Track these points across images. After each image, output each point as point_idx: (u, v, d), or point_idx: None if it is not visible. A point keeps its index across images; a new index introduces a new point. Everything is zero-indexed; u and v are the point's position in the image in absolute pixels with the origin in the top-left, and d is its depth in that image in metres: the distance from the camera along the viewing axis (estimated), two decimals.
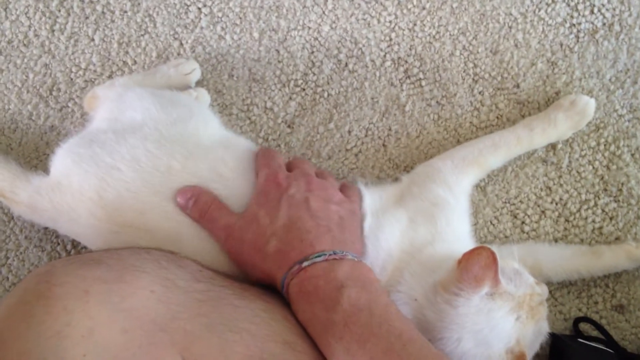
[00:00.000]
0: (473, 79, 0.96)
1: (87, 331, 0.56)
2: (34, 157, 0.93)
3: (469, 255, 0.68)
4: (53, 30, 1.00)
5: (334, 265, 0.67)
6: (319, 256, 0.68)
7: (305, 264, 0.67)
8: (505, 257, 0.75)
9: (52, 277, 0.59)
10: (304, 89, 0.96)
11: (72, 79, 0.97)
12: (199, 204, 0.73)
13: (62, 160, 0.77)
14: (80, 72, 0.98)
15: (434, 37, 0.98)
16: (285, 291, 0.68)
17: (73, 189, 0.74)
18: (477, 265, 0.67)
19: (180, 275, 0.65)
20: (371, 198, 0.81)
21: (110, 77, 0.97)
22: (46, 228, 0.89)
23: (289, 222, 0.71)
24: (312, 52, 0.98)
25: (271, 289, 0.71)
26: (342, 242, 0.71)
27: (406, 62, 0.97)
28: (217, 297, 0.65)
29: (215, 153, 0.77)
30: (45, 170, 0.80)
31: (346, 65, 0.97)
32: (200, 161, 0.76)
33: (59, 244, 0.89)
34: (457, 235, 0.81)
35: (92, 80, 0.97)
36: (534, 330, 0.70)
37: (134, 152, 0.74)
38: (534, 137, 0.89)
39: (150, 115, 0.79)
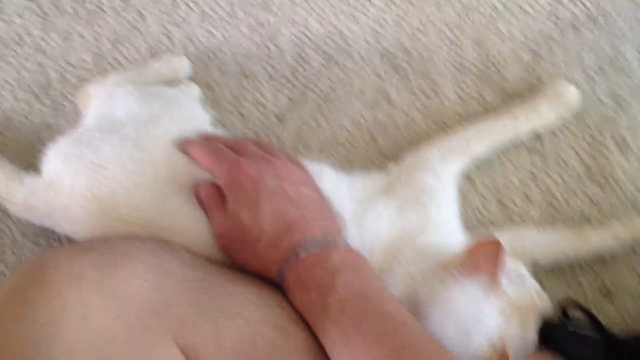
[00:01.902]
0: (458, 70, 0.98)
1: (80, 317, 0.57)
2: (29, 154, 0.94)
3: (480, 243, 0.70)
4: (45, 30, 1.01)
5: (328, 253, 0.69)
6: (313, 245, 0.69)
7: (302, 254, 0.69)
8: (510, 251, 0.77)
9: (46, 262, 0.61)
10: (293, 83, 0.98)
11: (65, 77, 0.99)
12: (208, 202, 0.74)
13: (52, 160, 0.78)
14: (73, 70, 0.99)
15: (419, 30, 1.00)
16: (282, 281, 0.70)
17: (65, 188, 0.75)
18: (483, 255, 0.69)
19: (174, 263, 0.67)
20: (353, 185, 0.83)
21: (102, 74, 0.98)
22: None
23: (274, 216, 0.72)
24: (301, 47, 1.00)
25: (264, 278, 0.73)
26: (327, 228, 0.73)
27: (393, 55, 0.99)
28: (210, 284, 0.67)
29: None
30: (40, 168, 0.81)
31: (334, 59, 0.99)
32: (179, 160, 0.77)
33: (54, 239, 0.90)
34: (447, 222, 0.83)
35: (85, 77, 0.99)
36: (521, 336, 0.70)
37: (117, 153, 0.75)
38: (518, 125, 0.91)
39: (132, 113, 0.80)
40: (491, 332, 0.68)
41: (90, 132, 0.80)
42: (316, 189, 0.78)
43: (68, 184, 0.75)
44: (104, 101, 0.85)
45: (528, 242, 0.85)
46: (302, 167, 0.81)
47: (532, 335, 0.72)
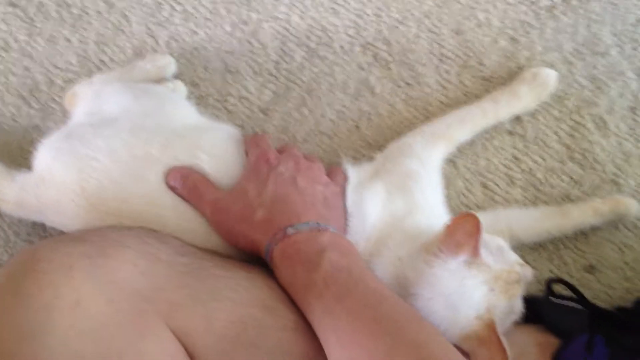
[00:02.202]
0: (439, 59, 1.00)
1: (73, 303, 0.59)
2: (19, 155, 0.96)
3: (456, 220, 0.71)
4: (31, 35, 1.03)
5: (317, 234, 0.71)
6: (304, 225, 0.71)
7: (289, 230, 0.70)
8: (494, 231, 0.79)
9: (38, 254, 0.62)
10: (277, 77, 1.00)
11: (52, 80, 1.01)
12: (187, 183, 0.76)
13: (43, 155, 0.80)
14: (60, 73, 1.01)
15: (399, 21, 1.02)
16: (269, 257, 0.71)
17: (56, 182, 0.77)
18: (460, 231, 0.71)
19: (163, 249, 0.68)
20: (351, 177, 0.85)
21: (88, 75, 1.00)
22: (34, 222, 0.91)
23: (276, 195, 0.74)
24: (283, 42, 1.01)
25: (252, 262, 0.74)
26: (326, 218, 0.75)
27: (374, 46, 1.01)
28: (200, 268, 0.69)
29: (192, 138, 0.80)
30: (30, 167, 0.82)
31: (316, 52, 1.01)
32: (177, 146, 0.79)
33: (46, 237, 0.91)
34: (432, 205, 0.84)
35: (71, 79, 1.00)
36: (506, 305, 0.72)
37: (110, 143, 0.77)
38: (499, 109, 0.93)
39: (125, 107, 0.82)
40: (477, 303, 0.70)
41: (81, 127, 0.81)
42: (335, 193, 0.80)
43: (59, 178, 0.77)
44: (92, 99, 0.87)
45: (512, 221, 0.87)
46: (336, 176, 0.83)
47: (518, 303, 0.74)
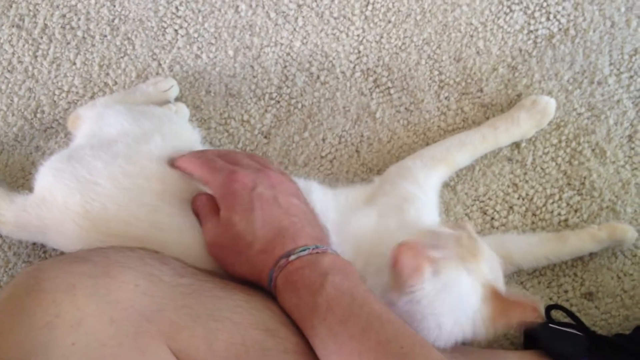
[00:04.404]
0: (439, 86, 1.01)
1: (75, 322, 0.59)
2: (21, 176, 0.97)
3: (394, 262, 0.71)
4: (36, 56, 1.04)
5: (317, 258, 0.71)
6: (304, 250, 0.71)
7: (292, 257, 0.70)
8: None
9: (40, 273, 0.62)
10: (278, 102, 1.01)
11: (55, 102, 1.01)
12: (202, 211, 0.77)
13: (44, 177, 0.80)
14: (63, 95, 1.02)
15: (400, 48, 1.03)
16: (273, 285, 0.71)
17: (58, 203, 0.77)
18: (406, 268, 0.70)
19: (165, 270, 0.68)
20: (337, 198, 0.86)
21: (92, 98, 1.01)
22: (34, 244, 0.92)
23: (266, 223, 0.74)
24: (285, 67, 1.03)
25: (253, 284, 0.74)
26: (317, 237, 0.75)
27: (375, 72, 1.02)
28: (201, 289, 0.69)
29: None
30: (31, 189, 0.83)
31: (318, 77, 1.02)
32: (171, 172, 0.79)
33: (46, 258, 0.92)
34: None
35: (75, 101, 1.01)
36: (486, 266, 0.73)
37: (109, 169, 0.77)
38: (498, 135, 0.94)
39: (123, 130, 0.83)
40: (472, 288, 0.71)
41: (81, 149, 0.82)
42: (304, 201, 0.81)
43: (60, 200, 0.77)
44: (94, 121, 0.87)
45: (510, 246, 0.88)
46: (291, 179, 0.83)
47: (490, 253, 0.76)
